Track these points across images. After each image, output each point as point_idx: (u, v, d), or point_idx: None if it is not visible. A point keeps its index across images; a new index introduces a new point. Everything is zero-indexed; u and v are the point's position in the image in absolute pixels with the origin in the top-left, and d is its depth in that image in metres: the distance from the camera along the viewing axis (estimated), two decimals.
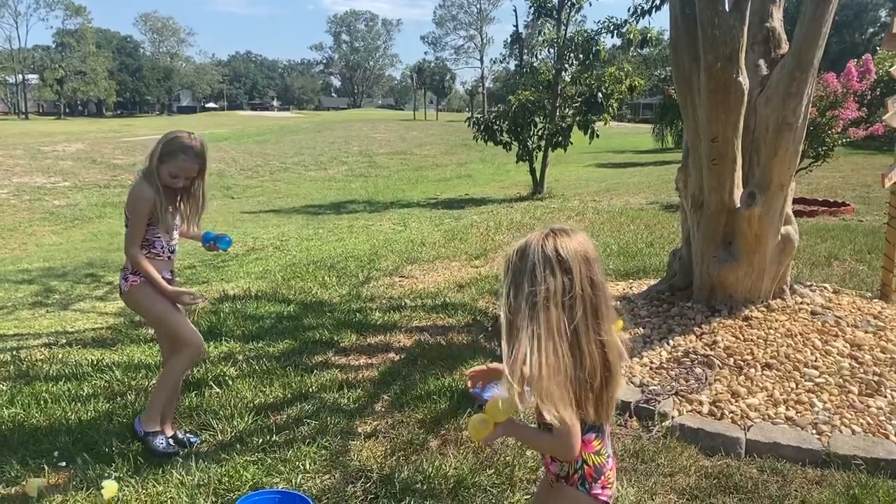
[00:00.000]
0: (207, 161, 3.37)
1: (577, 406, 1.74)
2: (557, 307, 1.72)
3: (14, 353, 5.12)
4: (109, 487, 3.00)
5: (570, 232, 1.80)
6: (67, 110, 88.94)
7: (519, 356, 1.69)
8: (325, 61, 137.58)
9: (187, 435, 3.60)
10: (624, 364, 1.87)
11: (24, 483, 3.13)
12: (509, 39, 16.23)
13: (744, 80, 4.29)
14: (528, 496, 3.06)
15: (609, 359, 1.79)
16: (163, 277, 3.38)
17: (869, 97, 10.51)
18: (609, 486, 1.90)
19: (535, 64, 15.71)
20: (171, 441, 3.46)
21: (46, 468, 3.29)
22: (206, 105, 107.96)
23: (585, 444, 1.84)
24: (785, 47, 4.72)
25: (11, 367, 4.77)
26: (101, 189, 19.40)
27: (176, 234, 3.47)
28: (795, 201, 5.33)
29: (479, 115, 16.44)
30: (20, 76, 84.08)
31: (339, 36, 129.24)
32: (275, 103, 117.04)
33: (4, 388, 4.30)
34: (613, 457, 1.96)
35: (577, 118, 14.99)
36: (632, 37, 14.20)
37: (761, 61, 4.73)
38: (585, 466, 1.87)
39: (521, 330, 1.72)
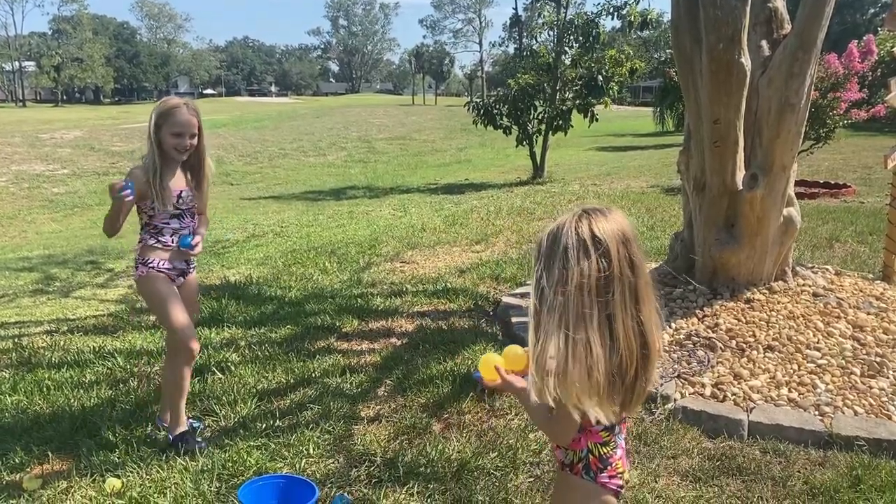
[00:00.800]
0: (201, 121, 3.31)
1: (605, 398, 1.65)
2: (591, 293, 1.60)
3: (16, 340, 5.12)
4: (112, 484, 3.01)
5: (606, 211, 1.68)
6: (65, 97, 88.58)
7: (548, 348, 1.60)
8: (322, 46, 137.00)
9: (190, 420, 3.60)
10: (660, 355, 1.79)
11: (23, 475, 3.13)
12: (508, 22, 16.16)
13: (746, 61, 4.25)
14: (532, 479, 3.07)
15: (648, 343, 1.68)
16: (175, 268, 3.34)
17: (870, 78, 10.46)
18: (618, 475, 1.85)
19: (534, 47, 15.61)
20: (197, 439, 3.39)
21: (50, 455, 3.30)
22: (204, 91, 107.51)
23: (591, 434, 1.80)
24: (787, 28, 4.68)
25: (14, 354, 4.77)
26: (100, 176, 19.35)
27: (190, 222, 3.37)
28: (797, 183, 5.31)
29: (478, 100, 16.36)
30: (17, 63, 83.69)
31: (337, 20, 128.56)
32: (273, 89, 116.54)
33: (7, 375, 4.31)
34: (624, 447, 1.91)
35: (578, 101, 14.91)
36: (632, 19, 14.10)
37: (763, 42, 4.69)
38: (590, 456, 1.83)
39: (550, 319, 1.61)
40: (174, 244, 3.33)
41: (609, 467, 1.83)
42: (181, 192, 3.32)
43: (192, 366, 3.47)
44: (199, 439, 3.39)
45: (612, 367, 1.63)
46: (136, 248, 3.35)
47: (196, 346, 3.37)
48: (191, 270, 3.48)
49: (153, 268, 3.29)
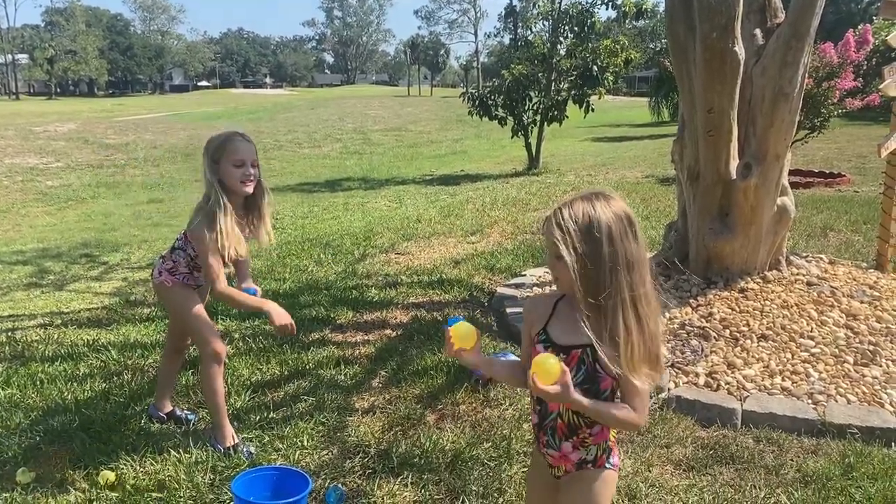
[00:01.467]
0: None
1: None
2: (632, 271, 1.66)
3: (9, 334, 5.11)
4: (106, 476, 3.00)
5: (609, 195, 1.73)
6: (58, 90, 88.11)
7: (633, 340, 1.65)
8: (317, 37, 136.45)
9: (185, 412, 3.60)
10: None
11: (16, 469, 3.12)
12: (503, 13, 16.13)
13: (739, 49, 4.24)
14: (525, 468, 3.07)
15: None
16: (196, 285, 3.28)
17: (865, 67, 10.44)
18: (618, 453, 1.93)
19: (529, 37, 15.55)
20: (249, 449, 3.22)
21: (43, 448, 3.30)
22: (199, 83, 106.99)
23: None
24: (781, 16, 4.67)
25: (7, 347, 4.75)
26: (95, 169, 19.26)
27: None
28: (791, 173, 5.31)
29: (473, 91, 16.30)
30: (10, 56, 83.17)
31: (332, 11, 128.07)
32: (268, 80, 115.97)
33: (1, 369, 4.29)
34: None
35: (573, 92, 14.87)
36: (626, 9, 14.07)
37: (757, 31, 4.68)
38: (608, 443, 1.86)
39: (616, 308, 1.64)
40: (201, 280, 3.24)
41: (615, 447, 1.91)
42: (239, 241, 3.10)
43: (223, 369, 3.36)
44: (251, 450, 3.22)
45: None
46: (166, 260, 3.24)
47: (223, 347, 3.28)
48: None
49: (179, 280, 3.22)
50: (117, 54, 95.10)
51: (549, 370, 1.64)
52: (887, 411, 3.48)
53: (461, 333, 1.80)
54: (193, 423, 3.53)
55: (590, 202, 1.68)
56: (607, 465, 1.85)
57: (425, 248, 7.54)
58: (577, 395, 1.67)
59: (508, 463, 3.10)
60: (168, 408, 3.56)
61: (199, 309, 3.24)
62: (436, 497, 2.88)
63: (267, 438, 3.33)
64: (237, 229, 3.05)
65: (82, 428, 3.46)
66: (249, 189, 3.07)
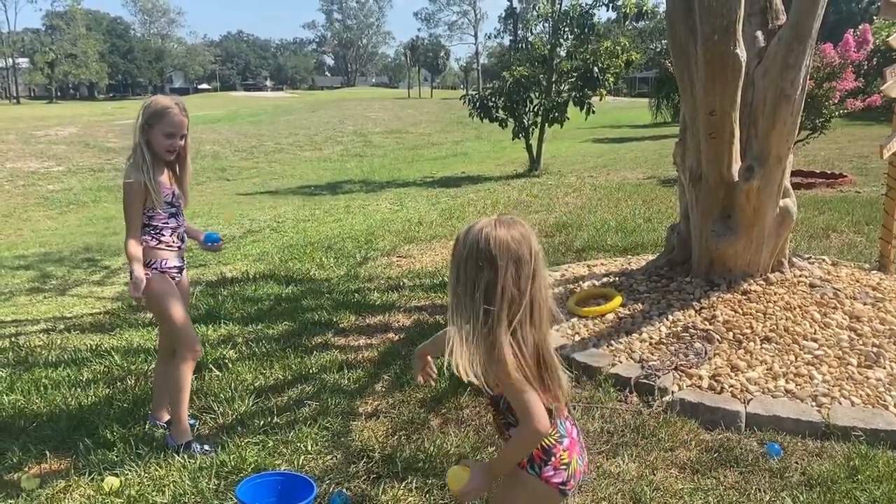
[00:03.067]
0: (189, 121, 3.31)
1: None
2: (487, 299, 1.76)
3: (13, 339, 5.11)
4: (110, 482, 3.00)
5: (511, 224, 1.81)
6: (59, 94, 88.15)
7: (455, 349, 1.75)
8: (317, 40, 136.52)
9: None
10: (557, 357, 1.89)
11: (21, 475, 3.13)
12: (503, 14, 16.17)
13: (741, 51, 4.24)
14: None
15: (546, 361, 1.83)
16: (174, 266, 3.34)
17: (866, 67, 10.45)
18: (563, 467, 1.88)
19: (530, 39, 15.57)
20: (205, 446, 3.32)
21: (48, 454, 3.30)
22: (199, 86, 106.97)
23: None
24: (783, 18, 4.67)
25: (10, 353, 4.76)
26: (96, 173, 19.28)
27: (182, 220, 3.39)
28: (793, 174, 5.30)
29: (474, 92, 16.32)
30: (10, 60, 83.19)
31: (332, 14, 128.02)
32: (268, 83, 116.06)
33: (4, 374, 4.30)
34: (575, 438, 1.94)
35: (573, 93, 14.88)
36: (627, 10, 14.09)
37: (759, 33, 4.68)
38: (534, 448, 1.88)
39: (458, 318, 1.78)
40: (175, 243, 3.33)
41: (553, 458, 1.87)
42: (172, 190, 3.33)
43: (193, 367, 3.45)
44: (207, 447, 3.31)
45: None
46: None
47: (199, 345, 3.42)
48: (185, 267, 3.48)
49: (156, 269, 3.28)
50: (117, 58, 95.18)
51: (456, 476, 1.90)
52: (892, 413, 3.48)
53: (456, 478, 1.93)
54: (196, 429, 3.53)
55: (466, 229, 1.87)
56: (529, 471, 1.89)
57: (427, 251, 7.54)
58: (487, 475, 1.89)
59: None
60: (166, 416, 3.54)
61: (178, 305, 3.30)
62: (440, 502, 2.88)
63: (271, 443, 3.33)
64: (161, 178, 3.26)
65: (86, 434, 3.46)
66: (170, 157, 3.29)
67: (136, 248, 3.20)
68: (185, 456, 3.20)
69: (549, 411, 1.84)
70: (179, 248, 3.38)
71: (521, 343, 1.76)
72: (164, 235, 3.29)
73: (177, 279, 3.38)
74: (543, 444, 1.86)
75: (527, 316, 1.77)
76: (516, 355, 1.75)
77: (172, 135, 3.21)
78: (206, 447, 3.31)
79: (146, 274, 3.23)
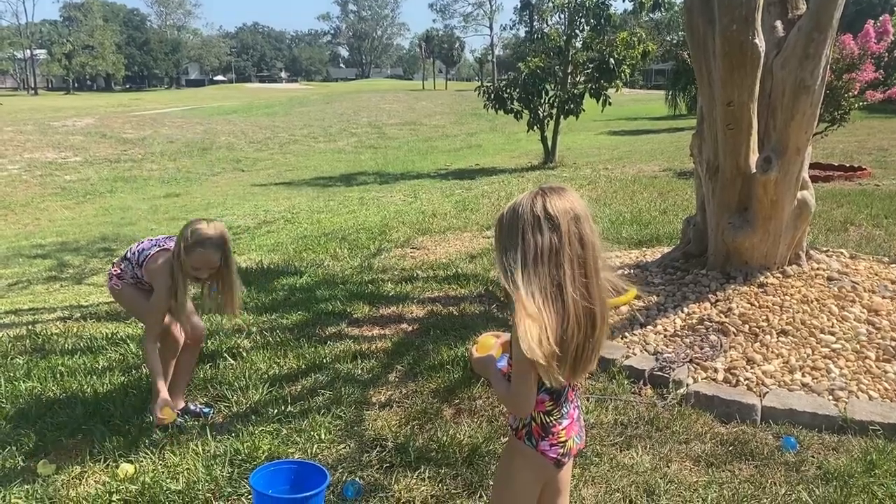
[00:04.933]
0: (230, 248, 3.34)
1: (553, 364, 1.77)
2: (545, 265, 1.74)
3: (30, 327, 5.16)
4: (125, 469, 3.03)
5: (561, 190, 1.80)
6: (76, 85, 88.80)
7: (520, 322, 1.72)
8: (332, 31, 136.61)
9: (200, 407, 3.62)
10: (608, 329, 1.89)
11: (37, 461, 3.16)
12: (519, 5, 16.05)
13: (760, 42, 4.19)
14: None
15: (595, 315, 1.80)
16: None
17: (886, 59, 10.31)
18: (559, 444, 1.94)
19: (545, 30, 15.48)
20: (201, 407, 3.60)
21: (63, 440, 3.33)
22: (215, 78, 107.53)
23: (538, 403, 1.90)
24: (802, 8, 4.60)
25: (28, 341, 4.80)
26: (112, 164, 19.42)
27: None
28: (811, 167, 5.24)
29: (488, 84, 16.26)
30: (28, 52, 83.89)
31: (346, 5, 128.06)
32: (283, 75, 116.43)
33: (21, 361, 4.34)
34: (575, 419, 1.99)
35: (589, 85, 14.79)
36: (644, 0, 13.96)
37: (778, 23, 4.62)
38: (533, 423, 1.93)
39: (516, 290, 1.74)
40: None
41: (550, 435, 1.93)
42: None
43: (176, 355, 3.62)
44: (203, 407, 3.58)
45: (561, 335, 1.74)
46: (115, 266, 3.55)
47: (179, 336, 3.59)
48: None
49: (126, 281, 3.50)
50: (134, 49, 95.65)
51: (484, 343, 1.99)
52: None
53: (484, 343, 2.02)
54: (211, 417, 3.55)
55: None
56: (526, 442, 1.94)
57: (441, 243, 7.54)
58: (491, 368, 1.95)
59: None
60: (181, 404, 3.57)
61: (143, 300, 3.46)
62: (453, 491, 2.88)
63: (285, 432, 3.34)
64: (185, 301, 3.41)
65: (102, 421, 3.49)
66: (196, 282, 3.44)
67: (156, 360, 3.35)
68: (200, 443, 3.21)
69: (558, 393, 1.90)
70: None
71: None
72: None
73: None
74: (543, 422, 1.93)
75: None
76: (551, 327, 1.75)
77: (198, 269, 3.28)
78: (203, 407, 3.56)
79: (116, 285, 3.49)
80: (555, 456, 1.94)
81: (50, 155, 19.82)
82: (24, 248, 9.43)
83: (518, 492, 2.00)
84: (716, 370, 3.81)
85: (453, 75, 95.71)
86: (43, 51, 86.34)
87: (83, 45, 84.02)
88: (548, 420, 1.93)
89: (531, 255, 1.74)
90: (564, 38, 14.86)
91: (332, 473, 2.95)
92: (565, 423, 1.95)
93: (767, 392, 3.60)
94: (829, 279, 4.61)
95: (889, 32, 9.91)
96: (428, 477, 2.96)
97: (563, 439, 1.94)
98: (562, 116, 15.19)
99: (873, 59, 9.73)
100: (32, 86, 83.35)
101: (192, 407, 3.60)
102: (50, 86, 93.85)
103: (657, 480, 2.91)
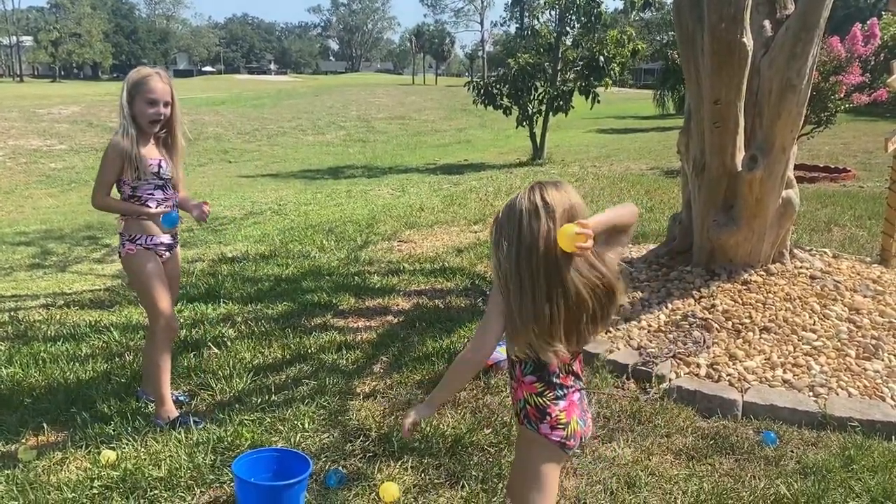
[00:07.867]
0: (174, 90, 3.25)
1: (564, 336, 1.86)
2: (541, 252, 1.81)
3: (12, 313, 5.12)
4: (107, 455, 3.01)
5: (558, 183, 1.90)
6: (63, 73, 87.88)
7: (523, 311, 1.82)
8: (322, 24, 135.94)
9: (176, 394, 3.57)
10: (622, 298, 1.94)
11: (18, 447, 3.14)
12: (510, 1, 16.03)
13: (748, 41, 4.21)
14: None
15: (610, 283, 1.87)
16: (161, 243, 3.31)
17: (873, 62, 10.37)
18: (560, 426, 1.95)
19: (536, 27, 15.47)
20: (194, 418, 3.34)
21: (45, 426, 3.31)
22: (203, 69, 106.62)
23: (525, 384, 1.95)
24: (791, 8, 4.64)
25: (10, 327, 4.77)
26: (97, 152, 19.21)
27: (172, 193, 3.36)
28: (796, 167, 5.29)
29: (478, 80, 16.25)
30: (14, 38, 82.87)
31: None
32: (272, 67, 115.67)
33: (3, 347, 4.31)
34: (575, 402, 2.00)
35: (579, 83, 14.81)
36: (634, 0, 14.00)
37: (766, 22, 4.65)
38: (528, 406, 1.97)
39: (517, 280, 1.84)
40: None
41: (549, 417, 1.95)
42: (159, 161, 3.27)
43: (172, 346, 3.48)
44: (197, 419, 3.33)
45: (563, 315, 1.84)
46: (120, 223, 3.29)
47: (176, 326, 3.46)
48: (176, 245, 3.45)
49: (141, 245, 3.26)
50: (122, 38, 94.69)
51: (565, 231, 1.83)
52: (888, 405, 3.48)
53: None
54: (193, 405, 3.54)
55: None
56: (528, 426, 1.98)
57: (428, 237, 7.54)
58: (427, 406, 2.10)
59: (508, 449, 3.10)
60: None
61: (160, 284, 3.27)
62: (436, 481, 2.89)
63: (268, 420, 3.34)
64: (146, 156, 3.20)
65: (84, 407, 3.48)
66: (155, 128, 3.23)
67: (113, 201, 3.24)
68: (182, 430, 3.20)
69: (547, 373, 1.94)
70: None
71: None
72: (149, 208, 3.26)
73: (164, 257, 3.35)
74: (537, 403, 1.95)
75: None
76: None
77: (155, 102, 3.16)
78: (196, 419, 3.31)
79: (130, 250, 3.23)
80: (557, 439, 1.95)
81: (35, 142, 19.63)
82: (8, 236, 9.34)
83: (543, 483, 2.00)
84: (699, 365, 3.85)
85: (443, 71, 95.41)
86: (29, 38, 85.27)
87: (70, 32, 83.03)
88: (541, 401, 1.95)
89: (527, 240, 1.82)
90: (555, 35, 14.87)
91: (315, 462, 2.95)
92: (562, 403, 1.96)
93: (749, 388, 3.63)
94: (812, 278, 4.65)
95: (876, 36, 9.96)
96: (411, 466, 2.97)
97: (563, 421, 1.95)
98: (551, 113, 15.20)
99: (860, 61, 9.79)
100: (18, 73, 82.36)
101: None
102: (36, 73, 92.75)
103: (638, 473, 2.94)
